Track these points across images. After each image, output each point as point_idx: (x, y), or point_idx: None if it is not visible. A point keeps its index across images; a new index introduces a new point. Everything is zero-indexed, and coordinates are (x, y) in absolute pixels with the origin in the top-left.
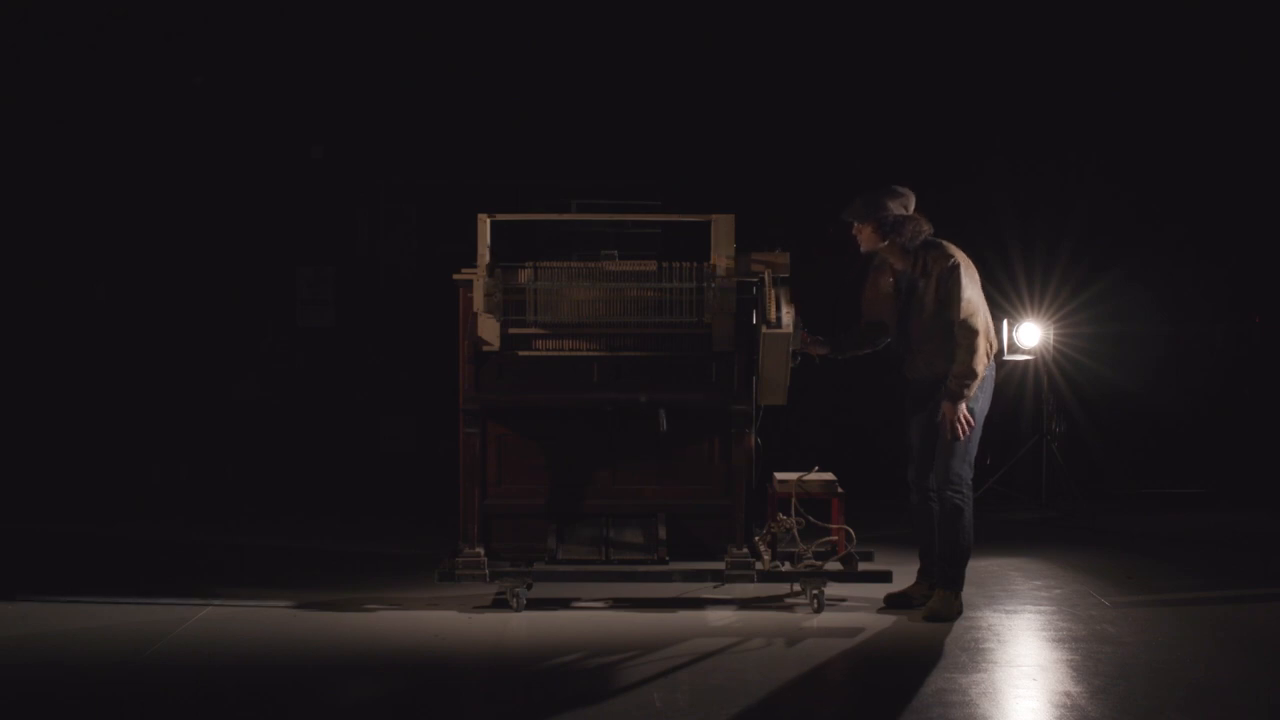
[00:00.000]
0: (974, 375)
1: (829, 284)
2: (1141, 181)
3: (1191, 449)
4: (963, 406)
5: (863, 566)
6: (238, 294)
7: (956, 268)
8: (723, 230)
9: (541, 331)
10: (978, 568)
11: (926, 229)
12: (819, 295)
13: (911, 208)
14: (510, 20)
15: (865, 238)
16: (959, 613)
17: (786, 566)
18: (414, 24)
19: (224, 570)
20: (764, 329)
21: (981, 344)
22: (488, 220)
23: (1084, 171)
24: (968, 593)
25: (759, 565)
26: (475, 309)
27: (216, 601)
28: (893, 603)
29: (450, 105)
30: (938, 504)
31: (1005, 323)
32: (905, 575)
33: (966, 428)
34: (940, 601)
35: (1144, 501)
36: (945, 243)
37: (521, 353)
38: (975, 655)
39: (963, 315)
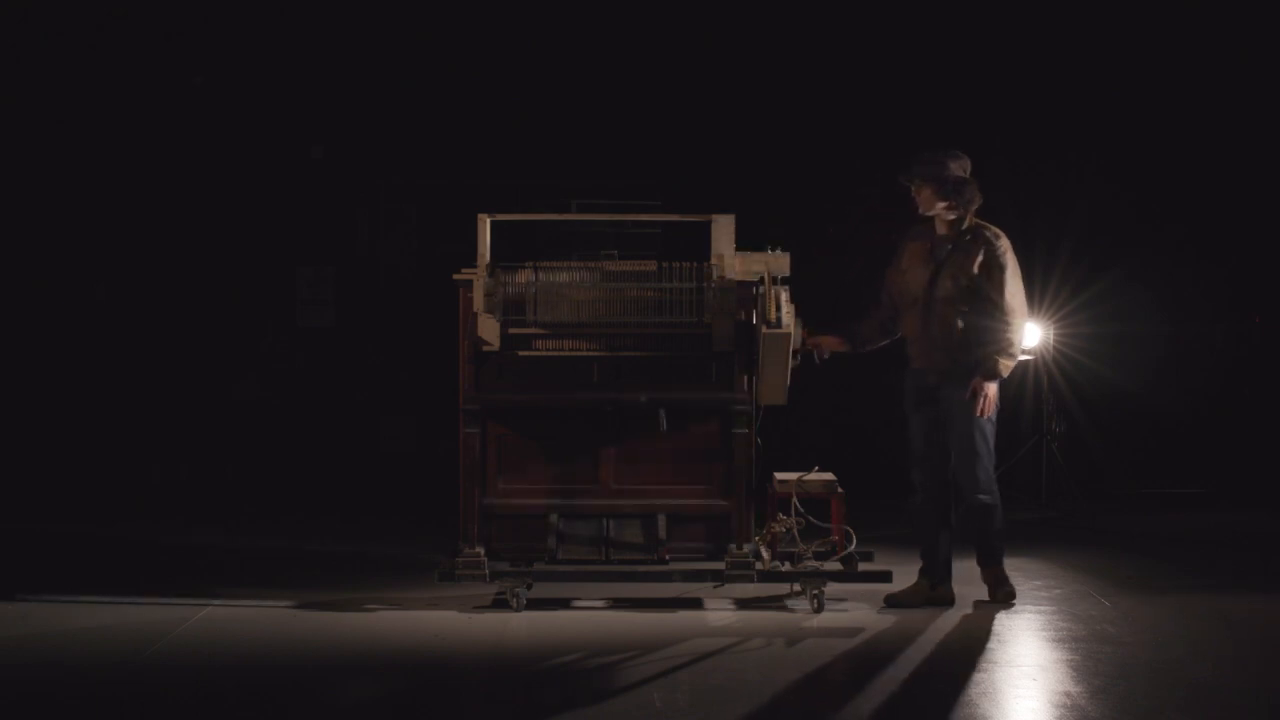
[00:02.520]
0: (1013, 357)
1: (829, 284)
2: (1141, 181)
3: (1191, 449)
4: (994, 386)
5: (863, 566)
6: (238, 294)
7: (1006, 251)
8: (723, 230)
9: (541, 331)
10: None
11: (980, 197)
12: (819, 295)
13: (969, 171)
14: (510, 20)
15: (924, 199)
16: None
17: (786, 566)
18: (414, 24)
19: (224, 570)
20: (764, 329)
21: (1024, 328)
22: (488, 220)
23: (1084, 171)
24: (968, 592)
25: (759, 565)
26: (475, 309)
27: (216, 601)
28: (893, 603)
29: (450, 105)
30: (967, 507)
31: None
32: (905, 575)
33: (991, 408)
34: (1003, 579)
35: (1144, 501)
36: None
37: (521, 353)
38: (975, 655)
39: (1007, 298)
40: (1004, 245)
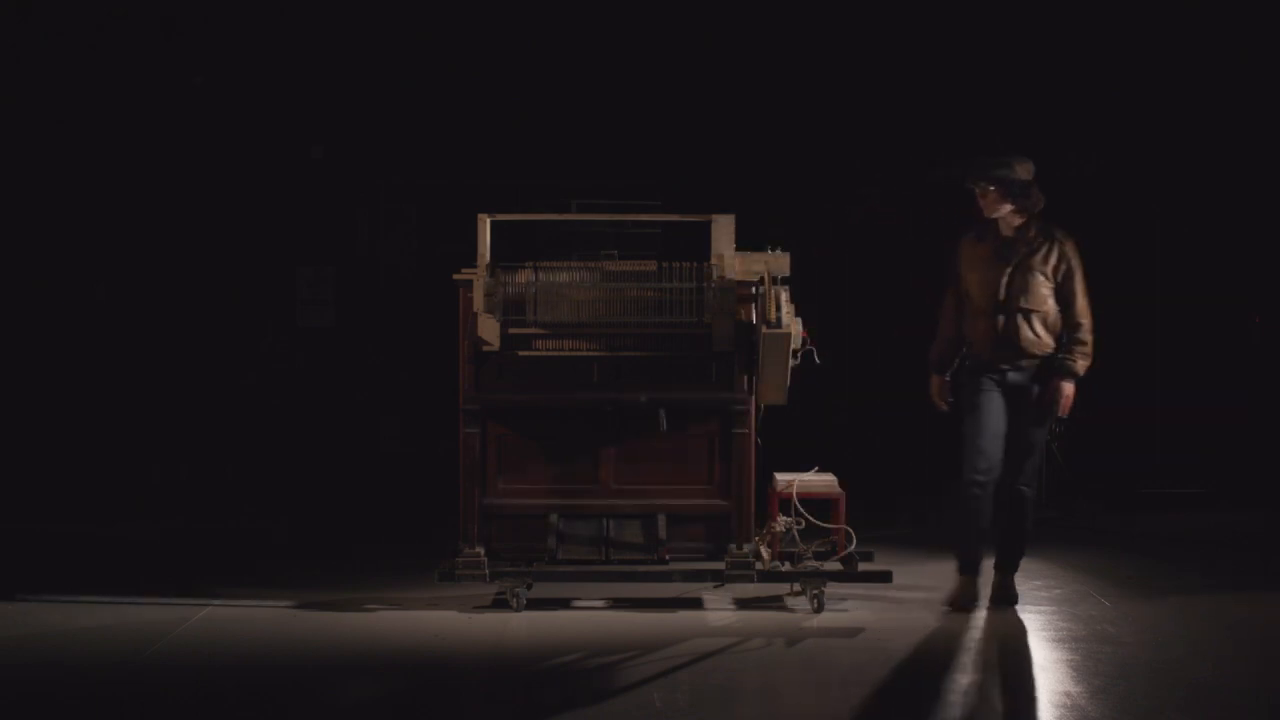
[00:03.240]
0: (1089, 357)
1: (829, 284)
2: (1141, 182)
3: (1191, 449)
4: (1072, 386)
5: (863, 566)
6: (238, 294)
7: (1075, 252)
8: (723, 230)
9: (541, 331)
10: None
11: (1042, 199)
12: (819, 295)
13: (1033, 173)
14: (510, 20)
15: (990, 201)
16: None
17: (786, 566)
18: (414, 24)
19: (224, 570)
20: (764, 329)
21: (1093, 329)
22: (488, 220)
23: (1084, 171)
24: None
25: (759, 565)
26: (475, 309)
27: (216, 601)
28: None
29: (450, 105)
30: (1012, 497)
31: None
32: (905, 575)
33: (1068, 408)
34: (1013, 585)
35: (1144, 501)
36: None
37: (521, 353)
38: (975, 655)
39: (1080, 298)
40: (1072, 246)
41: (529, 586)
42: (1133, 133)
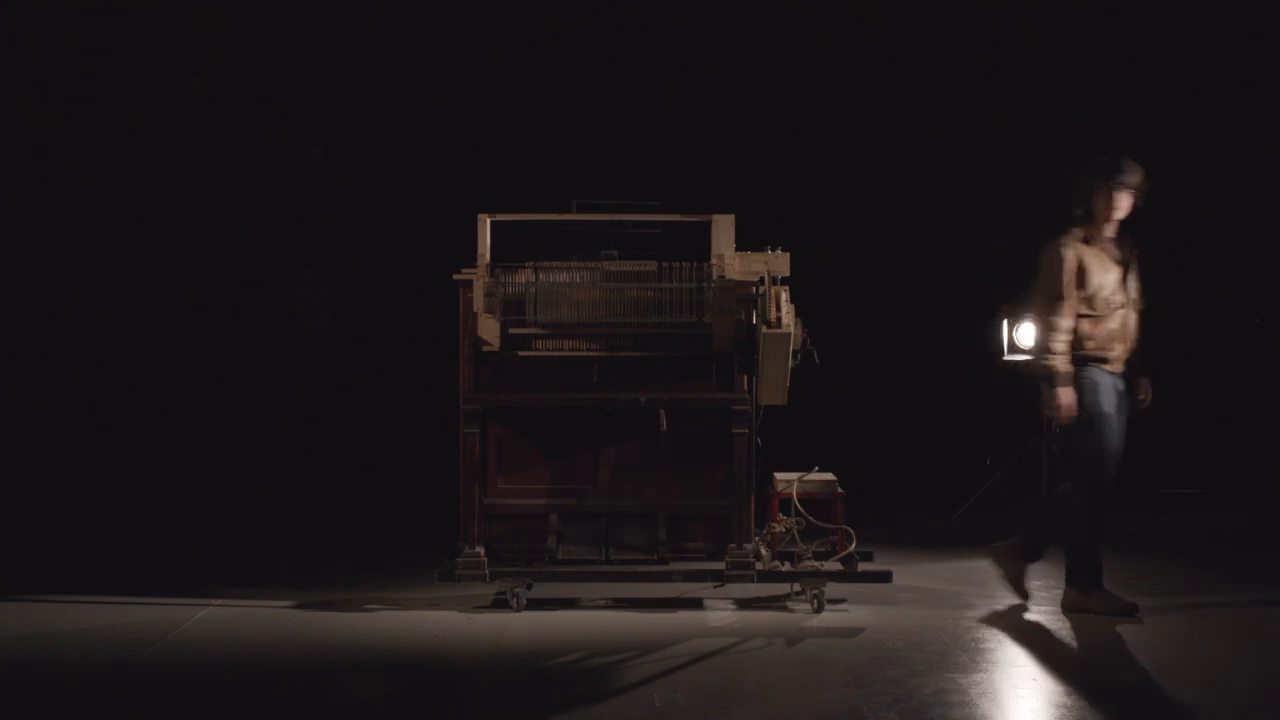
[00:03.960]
0: None
1: (829, 284)
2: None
3: (1191, 449)
4: None
5: (863, 567)
6: (238, 294)
7: None
8: (723, 230)
9: (541, 331)
10: (979, 568)
11: None
12: (819, 296)
13: None
14: (510, 21)
15: (1126, 204)
16: None
17: (786, 566)
18: (414, 25)
19: (224, 570)
20: (764, 329)
21: None
22: (488, 220)
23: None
24: (969, 592)
25: (759, 565)
26: (475, 309)
27: (216, 601)
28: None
29: (450, 105)
30: (1060, 494)
31: (1005, 322)
32: (905, 575)
33: None
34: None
35: (1144, 501)
36: None
37: (521, 353)
38: (975, 655)
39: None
40: None
41: (529, 586)
42: (1132, 134)
